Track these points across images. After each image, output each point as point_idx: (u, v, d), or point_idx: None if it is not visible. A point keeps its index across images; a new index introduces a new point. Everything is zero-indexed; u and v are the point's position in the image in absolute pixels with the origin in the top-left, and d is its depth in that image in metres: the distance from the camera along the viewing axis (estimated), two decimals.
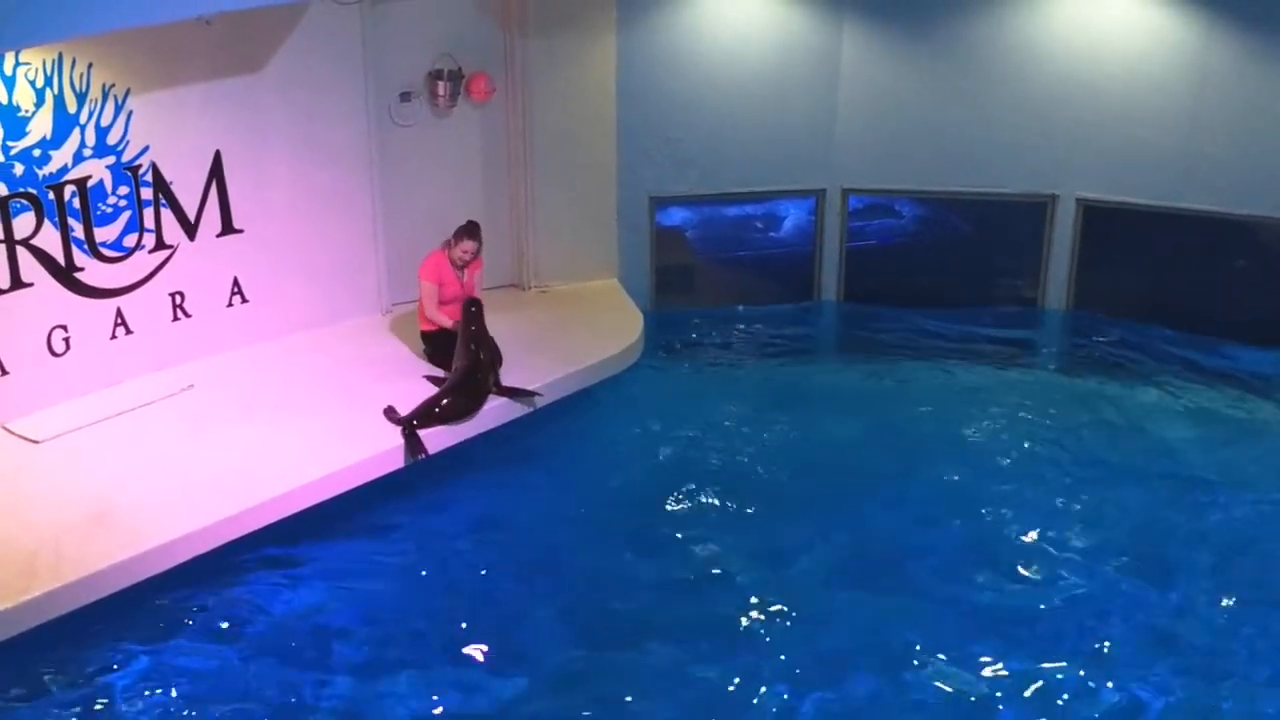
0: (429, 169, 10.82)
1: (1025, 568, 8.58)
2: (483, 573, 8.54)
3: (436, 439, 9.02)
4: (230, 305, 10.04)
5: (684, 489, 9.35)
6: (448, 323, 9.72)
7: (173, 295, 9.70)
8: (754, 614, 8.16)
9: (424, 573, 8.51)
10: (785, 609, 8.17)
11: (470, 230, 9.87)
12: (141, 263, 9.47)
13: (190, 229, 9.67)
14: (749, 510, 9.20)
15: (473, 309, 9.52)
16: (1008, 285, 12.26)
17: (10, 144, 8.62)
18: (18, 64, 8.47)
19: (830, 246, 12.14)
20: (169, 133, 9.34)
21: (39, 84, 8.64)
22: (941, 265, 12.55)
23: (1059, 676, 7.61)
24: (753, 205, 13.03)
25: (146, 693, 7.40)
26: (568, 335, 10.55)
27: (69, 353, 9.20)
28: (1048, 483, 9.47)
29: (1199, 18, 10.88)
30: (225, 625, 7.93)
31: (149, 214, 9.42)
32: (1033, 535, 8.87)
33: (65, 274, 9.08)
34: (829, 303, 12.26)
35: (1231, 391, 10.75)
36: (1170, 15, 10.96)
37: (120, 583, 7.59)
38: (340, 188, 10.33)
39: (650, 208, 11.80)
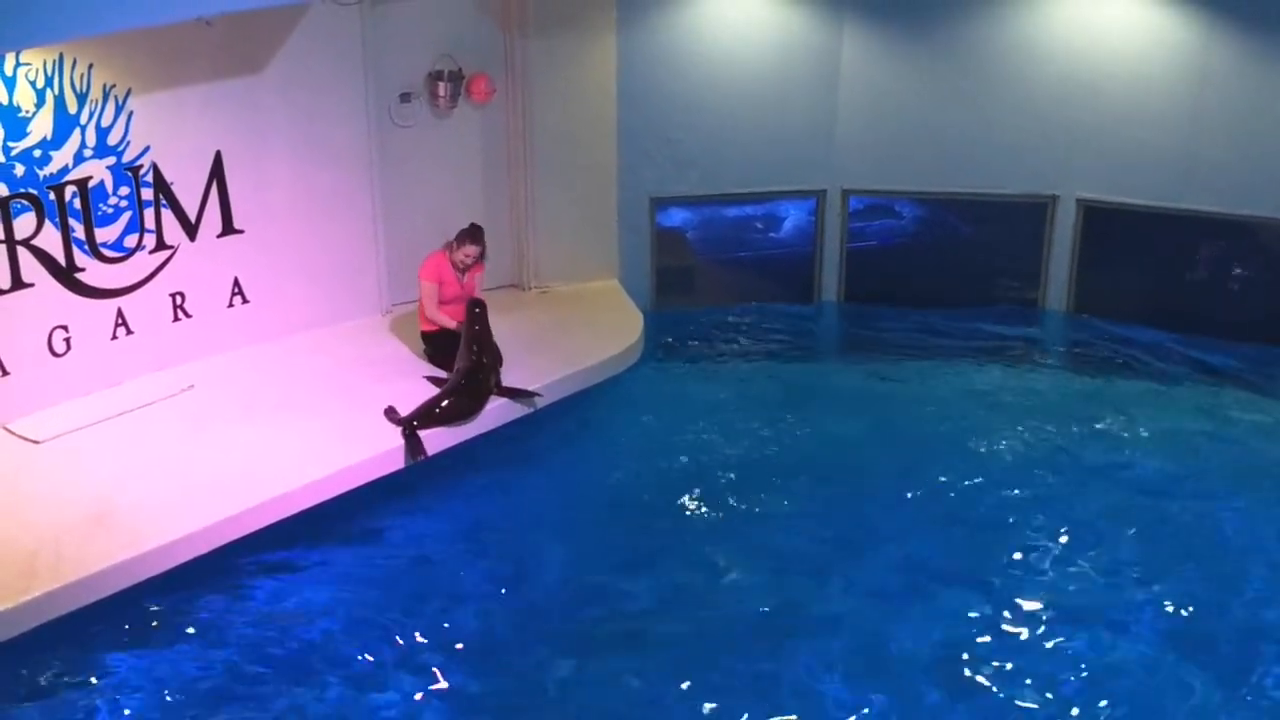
0: (429, 170, 10.82)
1: (1026, 568, 8.57)
2: (483, 574, 8.52)
3: (437, 440, 9.02)
4: (231, 306, 10.04)
5: (684, 489, 9.36)
6: (449, 323, 9.71)
7: (173, 296, 9.70)
8: (754, 614, 8.15)
9: (424, 574, 8.51)
10: (785, 609, 8.17)
11: (474, 234, 9.84)
12: (142, 263, 9.47)
13: (191, 229, 9.67)
14: (749, 510, 9.20)
15: (477, 309, 9.50)
16: (1008, 286, 12.27)
17: (11, 144, 8.62)
18: (18, 64, 8.47)
19: (830, 247, 12.15)
20: (170, 133, 9.35)
21: (39, 84, 8.64)
22: (942, 266, 12.56)
23: (1062, 676, 7.62)
24: (753, 206, 13.03)
25: (146, 693, 7.39)
26: (568, 336, 10.55)
27: (69, 353, 9.20)
28: (1048, 483, 9.47)
29: (1199, 18, 10.89)
30: (225, 626, 7.92)
31: (149, 214, 9.42)
32: (1033, 535, 8.87)
33: (66, 274, 9.08)
34: (829, 303, 12.28)
35: (1236, 392, 10.75)
36: (1170, 15, 10.97)
37: (120, 583, 7.58)
38: (340, 188, 10.34)
39: (651, 208, 11.81)
